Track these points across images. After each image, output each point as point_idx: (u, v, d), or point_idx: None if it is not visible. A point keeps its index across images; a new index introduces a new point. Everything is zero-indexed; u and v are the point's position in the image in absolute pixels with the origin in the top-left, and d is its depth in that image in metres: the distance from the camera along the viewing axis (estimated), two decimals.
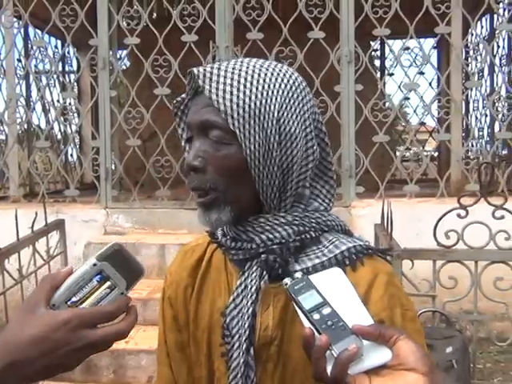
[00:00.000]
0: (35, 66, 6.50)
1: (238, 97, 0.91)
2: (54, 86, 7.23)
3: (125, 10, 5.07)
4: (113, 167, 5.23)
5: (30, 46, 6.39)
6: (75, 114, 7.45)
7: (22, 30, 6.13)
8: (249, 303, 0.94)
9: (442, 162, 7.59)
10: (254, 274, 0.96)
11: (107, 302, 0.78)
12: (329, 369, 0.74)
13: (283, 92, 0.94)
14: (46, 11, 5.13)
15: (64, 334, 0.73)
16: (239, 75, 0.93)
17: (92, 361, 3.56)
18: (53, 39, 7.33)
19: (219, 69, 0.94)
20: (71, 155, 7.63)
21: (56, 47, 7.49)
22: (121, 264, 0.78)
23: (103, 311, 0.76)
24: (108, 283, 0.78)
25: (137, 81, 5.07)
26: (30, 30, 6.19)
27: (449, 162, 5.21)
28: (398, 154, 5.58)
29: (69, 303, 0.76)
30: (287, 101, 0.94)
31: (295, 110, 0.95)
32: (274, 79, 0.94)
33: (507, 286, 2.80)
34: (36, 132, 6.44)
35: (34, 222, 3.62)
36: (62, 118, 6.16)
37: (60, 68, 7.50)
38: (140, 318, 3.32)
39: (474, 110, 7.32)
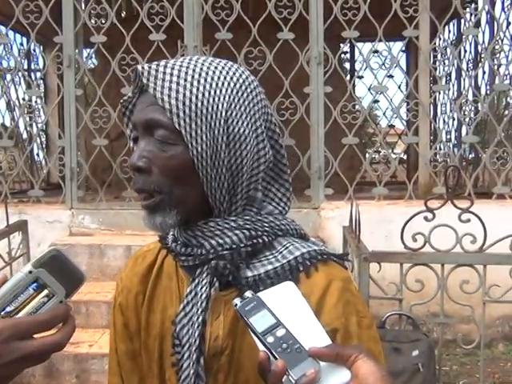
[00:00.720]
0: None
1: (184, 95, 0.88)
2: (20, 83, 7.08)
3: (91, 8, 4.98)
4: (78, 167, 5.12)
5: None
6: (41, 113, 7.31)
7: None
8: (199, 311, 0.91)
9: (411, 165, 7.66)
10: (204, 281, 0.92)
11: (45, 311, 0.73)
12: None
13: (232, 91, 0.90)
14: (9, 7, 5.01)
15: None
16: (186, 73, 0.89)
17: (54, 365, 3.48)
18: (18, 36, 7.17)
19: (165, 66, 0.91)
20: (37, 154, 7.49)
21: (22, 44, 7.33)
22: (59, 271, 0.73)
23: (38, 320, 0.71)
24: (45, 291, 0.73)
25: (104, 80, 4.98)
26: None
27: (417, 164, 5.25)
28: (367, 156, 5.60)
29: (2, 313, 0.71)
30: (236, 100, 0.90)
31: (245, 109, 0.91)
32: (222, 78, 0.90)
33: (473, 288, 2.81)
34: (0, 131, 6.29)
35: None
36: (27, 117, 6.00)
37: (26, 66, 7.33)
38: (105, 322, 3.27)
39: (441, 114, 7.42)
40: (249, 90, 0.92)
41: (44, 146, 7.65)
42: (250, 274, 0.92)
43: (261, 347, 0.75)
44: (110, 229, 4.95)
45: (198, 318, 0.91)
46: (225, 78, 0.91)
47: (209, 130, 0.88)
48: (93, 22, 5.01)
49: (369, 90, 7.53)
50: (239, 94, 0.91)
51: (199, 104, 0.88)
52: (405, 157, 8.14)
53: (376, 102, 5.98)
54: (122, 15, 7.48)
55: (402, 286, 2.81)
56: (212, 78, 0.90)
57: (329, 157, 4.80)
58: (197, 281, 0.93)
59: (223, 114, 0.89)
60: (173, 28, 4.82)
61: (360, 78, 7.36)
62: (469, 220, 2.71)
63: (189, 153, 0.88)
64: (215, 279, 0.92)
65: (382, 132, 5.57)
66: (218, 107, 0.89)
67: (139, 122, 0.91)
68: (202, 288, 0.92)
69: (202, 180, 0.90)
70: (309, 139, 4.83)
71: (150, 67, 0.90)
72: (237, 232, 0.92)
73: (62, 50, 4.98)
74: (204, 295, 0.91)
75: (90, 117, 5.02)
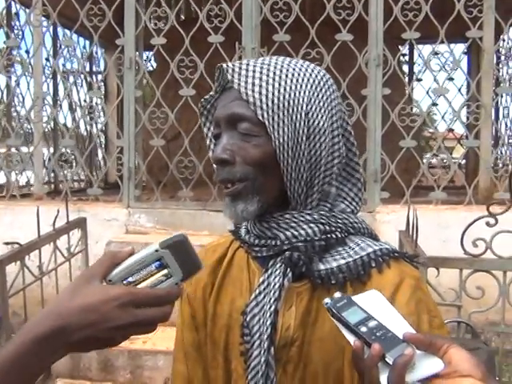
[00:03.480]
0: (63, 65, 6.56)
1: (266, 89, 0.92)
2: (81, 85, 7.30)
3: (152, 11, 5.07)
4: (136, 167, 5.22)
5: (58, 45, 6.45)
6: (101, 114, 7.51)
7: (51, 29, 6.19)
8: (271, 301, 0.93)
9: (469, 170, 7.46)
10: (278, 271, 0.94)
11: (161, 288, 0.77)
12: (382, 378, 0.73)
13: (311, 86, 0.95)
14: (74, 10, 5.15)
15: (113, 308, 0.73)
16: (268, 69, 0.94)
17: (109, 360, 3.55)
18: (81, 39, 7.40)
19: (248, 64, 0.96)
20: (96, 154, 7.69)
21: (84, 47, 7.55)
22: (181, 255, 0.77)
23: (154, 294, 0.76)
24: (165, 271, 0.77)
25: (162, 81, 5.06)
26: (59, 29, 6.22)
27: (476, 169, 5.09)
28: (424, 160, 5.47)
29: (125, 282, 0.76)
30: (315, 95, 0.94)
31: (323, 104, 0.95)
32: (302, 74, 0.95)
33: None
34: (62, 131, 6.50)
35: (55, 220, 3.62)
36: (87, 118, 6.18)
37: (87, 68, 7.55)
38: None
39: (503, 117, 7.18)
40: (326, 87, 0.97)
41: (103, 146, 7.85)
42: (322, 267, 0.95)
43: (351, 340, 0.77)
44: (165, 228, 5.02)
45: (270, 307, 0.93)
46: (304, 74, 0.95)
47: (290, 123, 0.92)
48: (153, 24, 5.10)
49: (427, 92, 7.38)
50: (318, 89, 0.95)
51: (281, 97, 0.92)
52: (463, 162, 7.93)
53: (435, 105, 5.82)
54: (182, 18, 7.59)
55: (461, 292, 2.73)
56: (293, 74, 0.94)
57: (385, 159, 4.72)
58: (270, 271, 0.96)
59: (304, 107, 0.93)
60: (231, 30, 4.85)
61: (419, 80, 7.21)
62: None
63: (271, 144, 0.92)
64: (289, 270, 0.94)
65: (440, 136, 5.42)
66: (299, 101, 0.93)
67: (222, 117, 0.95)
68: (275, 278, 0.94)
69: (282, 170, 0.93)
70: (365, 142, 4.76)
71: (234, 65, 0.95)
72: (312, 225, 0.95)
73: (124, 52, 5.09)
74: (277, 285, 0.93)
75: (148, 118, 5.11)
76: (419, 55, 5.50)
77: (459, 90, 7.50)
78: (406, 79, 7.27)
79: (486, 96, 4.84)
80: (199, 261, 0.79)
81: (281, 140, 0.92)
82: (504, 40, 6.18)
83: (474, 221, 2.66)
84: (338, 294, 0.82)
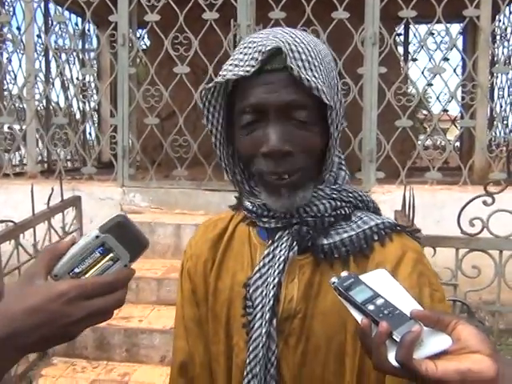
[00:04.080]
0: (55, 43, 6.47)
1: (322, 75, 0.88)
2: (74, 63, 7.21)
3: None
4: (130, 145, 5.19)
5: (50, 21, 6.36)
6: (94, 91, 7.43)
7: (43, 5, 6.08)
8: (275, 273, 0.93)
9: (464, 151, 7.46)
10: (284, 245, 0.94)
11: (110, 273, 0.76)
12: (390, 356, 0.73)
13: (333, 64, 0.94)
14: None
15: (61, 305, 0.71)
16: (309, 50, 0.88)
17: (105, 338, 3.56)
18: (73, 16, 7.29)
19: (297, 43, 0.87)
20: (89, 133, 7.63)
21: (76, 24, 7.44)
22: (124, 236, 0.75)
23: (102, 282, 0.73)
24: (111, 255, 0.75)
25: (156, 59, 5.00)
26: (51, 6, 6.12)
27: (470, 151, 5.10)
28: (419, 141, 5.47)
29: (71, 274, 0.74)
30: (335, 73, 0.94)
31: (337, 82, 0.95)
32: (329, 52, 0.94)
33: None
34: (54, 109, 6.43)
35: (49, 198, 3.60)
36: (80, 96, 6.11)
37: (80, 45, 7.45)
38: (154, 298, 3.33)
39: (499, 98, 7.17)
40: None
41: (96, 124, 7.79)
42: (325, 241, 0.95)
43: (359, 318, 0.77)
44: (160, 207, 5.01)
45: (273, 279, 0.93)
46: (327, 52, 0.93)
47: (339, 107, 0.92)
48: (146, 1, 5.02)
49: (422, 72, 7.35)
50: (334, 65, 0.95)
51: (329, 81, 0.90)
52: (457, 143, 7.93)
53: (430, 85, 5.79)
54: None
55: (457, 271, 2.74)
56: (325, 55, 0.92)
57: (381, 139, 4.71)
58: (276, 244, 0.95)
59: (339, 87, 0.94)
60: (226, 7, 4.79)
61: (414, 60, 7.18)
62: None
63: (326, 131, 0.90)
64: (295, 243, 0.94)
65: (435, 117, 5.41)
66: (335, 81, 0.93)
67: (273, 103, 0.87)
68: (280, 251, 0.94)
69: (327, 156, 0.93)
70: (361, 121, 4.75)
71: (289, 44, 0.86)
72: (324, 202, 0.95)
73: (117, 29, 5.02)
74: (282, 258, 0.93)
75: (142, 96, 5.06)
76: (414, 35, 5.46)
77: (454, 70, 7.48)
78: (402, 59, 7.22)
79: (482, 75, 4.83)
80: (144, 238, 0.77)
81: (335, 127, 0.91)
82: (500, 20, 6.15)
83: (472, 199, 2.65)
84: (344, 273, 0.82)
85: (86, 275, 0.74)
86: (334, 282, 0.81)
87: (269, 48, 0.85)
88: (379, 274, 0.84)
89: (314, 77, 0.86)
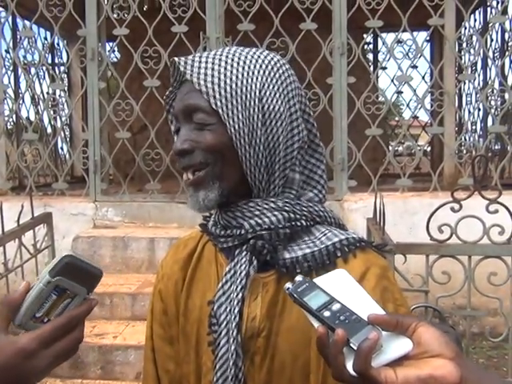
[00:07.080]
0: (24, 57, 6.40)
1: (218, 78, 0.93)
2: (44, 77, 7.13)
3: (114, 1, 4.99)
4: (102, 160, 5.15)
5: (18, 36, 6.29)
6: (65, 106, 7.36)
7: (10, 20, 6.03)
8: (238, 289, 0.93)
9: (435, 157, 7.57)
10: (244, 260, 0.94)
11: (64, 313, 0.78)
12: (348, 365, 0.69)
13: (264, 72, 0.95)
14: (33, 1, 5.04)
15: (23, 360, 0.72)
16: (220, 60, 0.95)
17: (79, 357, 3.51)
18: (42, 31, 7.23)
19: (200, 56, 0.97)
20: (61, 148, 7.55)
21: (46, 38, 7.38)
22: (75, 274, 0.78)
23: (57, 326, 0.76)
24: (68, 292, 0.78)
25: (126, 73, 4.99)
26: (19, 21, 6.07)
27: (441, 156, 5.17)
28: (390, 148, 5.53)
29: (33, 320, 0.76)
30: (269, 80, 0.95)
31: (278, 88, 0.95)
32: (254, 60, 0.96)
33: (501, 280, 2.75)
34: (25, 124, 6.36)
35: (19, 215, 3.55)
36: (51, 111, 6.05)
37: (49, 60, 7.39)
38: (129, 313, 3.28)
39: (466, 104, 7.30)
40: (281, 71, 0.97)
41: (68, 139, 7.72)
42: (287, 255, 0.95)
43: (316, 324, 0.73)
44: (134, 221, 4.98)
45: (237, 295, 0.93)
46: (256, 60, 0.96)
47: (244, 109, 0.93)
48: (115, 15, 5.02)
49: (392, 81, 7.44)
50: (271, 74, 0.95)
51: (233, 85, 0.93)
52: (428, 149, 8.03)
53: (399, 93, 5.88)
54: (144, 8, 7.49)
55: (427, 278, 2.77)
56: (244, 62, 0.95)
57: (352, 148, 4.76)
58: (236, 260, 0.96)
59: (257, 93, 0.94)
60: (195, 20, 4.81)
61: (383, 68, 7.27)
62: (497, 211, 2.66)
63: (227, 132, 0.92)
64: (254, 258, 0.94)
65: (405, 124, 5.48)
66: (251, 87, 0.94)
67: (178, 110, 0.97)
68: (241, 266, 0.94)
69: (240, 158, 0.93)
70: (332, 131, 4.79)
71: (186, 58, 0.97)
72: (276, 213, 0.95)
73: (86, 43, 5.00)
74: (243, 273, 0.93)
75: (113, 110, 5.04)
76: (383, 43, 5.54)
77: (423, 77, 7.59)
78: (371, 68, 7.32)
79: (448, 83, 4.91)
80: (96, 269, 0.79)
81: (236, 127, 0.92)
82: (465, 27, 6.27)
83: (439, 207, 2.69)
84: (299, 278, 0.78)
85: (49, 316, 0.77)
86: (289, 288, 0.77)
87: (172, 62, 0.99)
88: (337, 274, 0.81)
89: (209, 82, 0.93)
